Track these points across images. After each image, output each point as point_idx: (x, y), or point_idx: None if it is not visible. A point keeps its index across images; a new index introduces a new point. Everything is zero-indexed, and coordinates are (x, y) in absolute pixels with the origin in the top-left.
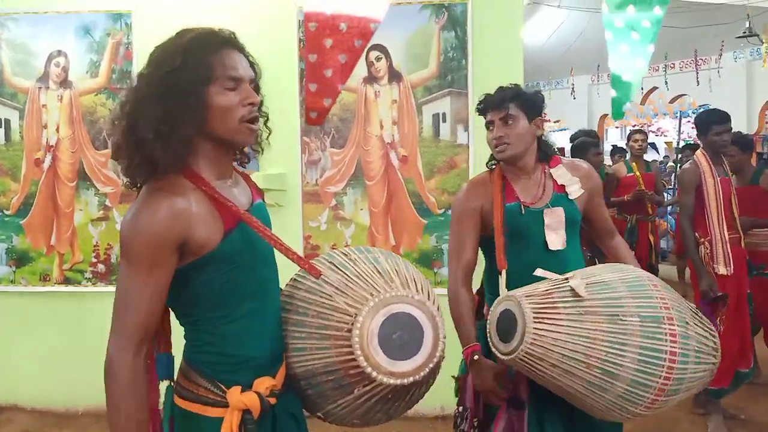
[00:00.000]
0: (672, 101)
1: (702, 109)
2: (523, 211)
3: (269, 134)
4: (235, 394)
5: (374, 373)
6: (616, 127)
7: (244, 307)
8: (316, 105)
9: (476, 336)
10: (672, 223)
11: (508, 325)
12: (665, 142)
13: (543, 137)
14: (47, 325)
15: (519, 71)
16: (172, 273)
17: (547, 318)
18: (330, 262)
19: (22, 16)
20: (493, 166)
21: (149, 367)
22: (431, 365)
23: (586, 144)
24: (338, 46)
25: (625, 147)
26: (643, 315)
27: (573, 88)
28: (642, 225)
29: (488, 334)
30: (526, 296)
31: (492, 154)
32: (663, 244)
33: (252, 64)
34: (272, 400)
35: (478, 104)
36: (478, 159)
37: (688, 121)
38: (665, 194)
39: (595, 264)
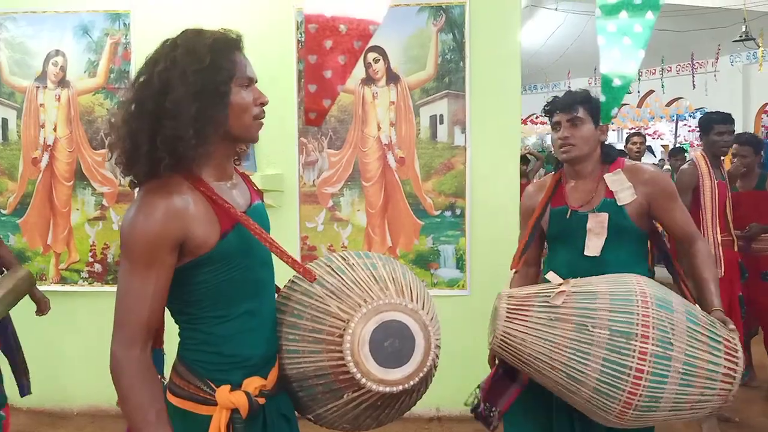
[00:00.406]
0: (668, 104)
1: (698, 113)
2: (569, 215)
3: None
4: (223, 393)
5: (363, 380)
6: (613, 130)
7: (240, 307)
8: (315, 106)
9: None
10: None
11: (493, 318)
12: (662, 146)
13: (606, 143)
14: (42, 324)
15: (516, 73)
16: (172, 272)
17: (518, 318)
18: (328, 266)
19: (21, 16)
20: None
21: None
22: (421, 374)
23: None
24: (338, 47)
25: (624, 149)
26: (613, 329)
27: None
28: None
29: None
30: (509, 296)
31: (556, 157)
32: None
33: None
34: (261, 400)
35: (545, 105)
36: (475, 161)
37: (685, 124)
38: None
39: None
